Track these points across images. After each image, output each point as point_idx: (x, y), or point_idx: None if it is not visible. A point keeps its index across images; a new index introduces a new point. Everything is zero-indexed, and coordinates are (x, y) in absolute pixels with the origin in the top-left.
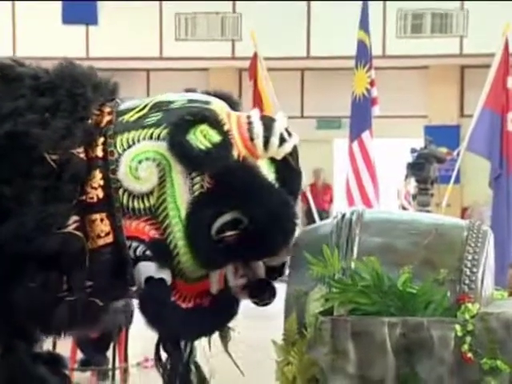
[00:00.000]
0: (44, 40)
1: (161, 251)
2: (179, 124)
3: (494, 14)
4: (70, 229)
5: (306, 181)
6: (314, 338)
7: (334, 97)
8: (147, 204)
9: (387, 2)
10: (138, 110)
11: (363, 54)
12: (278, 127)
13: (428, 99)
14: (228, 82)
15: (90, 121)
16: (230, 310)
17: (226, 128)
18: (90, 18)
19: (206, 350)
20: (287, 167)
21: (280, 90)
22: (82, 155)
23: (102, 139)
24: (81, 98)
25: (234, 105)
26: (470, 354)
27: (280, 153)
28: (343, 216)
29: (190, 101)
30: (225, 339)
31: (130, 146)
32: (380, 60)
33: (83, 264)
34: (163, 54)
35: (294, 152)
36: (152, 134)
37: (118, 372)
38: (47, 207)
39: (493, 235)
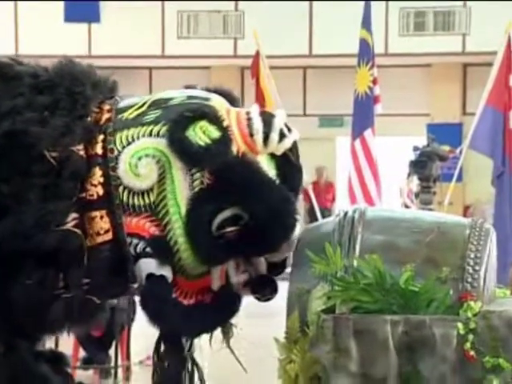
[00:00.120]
0: (46, 38)
1: (161, 248)
2: (178, 120)
3: (497, 12)
4: (69, 226)
5: (308, 179)
6: (316, 336)
7: (337, 95)
8: (147, 201)
9: (389, 1)
10: (137, 107)
11: (365, 52)
12: (278, 123)
13: (430, 97)
14: (230, 80)
15: (89, 118)
16: (232, 307)
17: (225, 124)
18: (93, 16)
19: (207, 347)
20: (287, 163)
21: (282, 88)
22: (82, 153)
23: (101, 137)
24: (80, 96)
25: (233, 101)
26: (472, 352)
27: (280, 148)
28: (345, 214)
29: (190, 97)
30: (227, 335)
31: (129, 143)
32: (382, 58)
33: (81, 261)
34: (165, 52)
35: (294, 148)
36: (151, 130)
37: (120, 370)
38: (46, 205)
39: (495, 233)
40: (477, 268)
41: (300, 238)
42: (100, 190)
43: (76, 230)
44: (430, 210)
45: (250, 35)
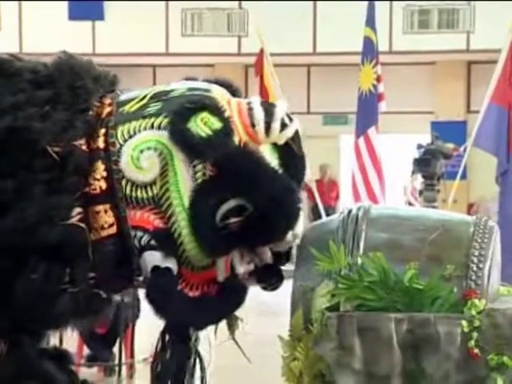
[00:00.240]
0: (50, 36)
1: (166, 240)
2: (180, 112)
3: (501, 9)
4: (74, 220)
5: (312, 177)
6: (320, 334)
7: (341, 93)
8: (150, 193)
9: None
10: (138, 100)
11: (369, 50)
12: (279, 112)
13: (435, 95)
14: (234, 77)
15: (90, 112)
16: (237, 298)
17: (226, 115)
18: (97, 14)
19: (213, 343)
20: (290, 152)
21: (286, 86)
22: (84, 147)
23: (103, 130)
24: (81, 90)
25: (234, 92)
26: (476, 350)
27: (281, 138)
28: (349, 212)
29: (190, 89)
30: (232, 328)
31: (131, 137)
32: (387, 56)
33: (86, 255)
34: (169, 50)
35: (296, 137)
36: (153, 123)
37: (124, 368)
38: (50, 199)
39: (499, 231)
40: (481, 266)
41: (304, 236)
42: (103, 184)
43: (81, 224)
44: (434, 207)
45: (254, 33)
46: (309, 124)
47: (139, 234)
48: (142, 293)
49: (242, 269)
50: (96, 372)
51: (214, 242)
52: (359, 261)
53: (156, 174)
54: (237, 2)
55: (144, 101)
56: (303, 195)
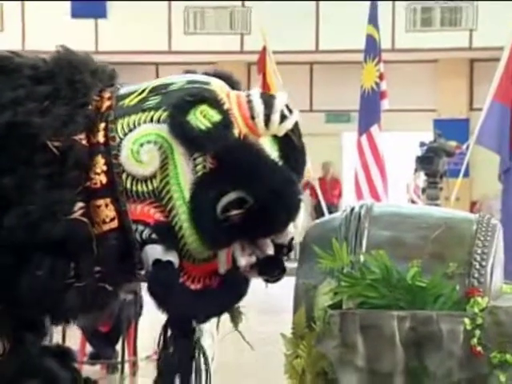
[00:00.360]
0: (53, 34)
1: (166, 234)
2: (179, 105)
3: (504, 7)
4: (76, 215)
5: (314, 175)
6: (322, 332)
7: (343, 90)
8: (151, 187)
9: None
10: (137, 93)
11: (372, 48)
12: (279, 104)
13: (437, 93)
14: (237, 75)
15: (90, 107)
16: (239, 291)
17: (225, 107)
18: (99, 12)
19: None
20: (289, 144)
21: (289, 84)
22: (84, 141)
23: (102, 125)
24: (80, 84)
25: (234, 85)
26: (479, 348)
27: (281, 130)
28: (352, 210)
29: (190, 82)
30: (235, 320)
31: (130, 130)
32: (389, 54)
33: (91, 249)
34: (172, 48)
35: (296, 128)
36: (152, 117)
37: (127, 365)
38: (52, 194)
39: (502, 229)
40: (484, 263)
41: (307, 234)
42: (103, 179)
43: (83, 218)
44: (437, 205)
45: (257, 31)
46: (311, 122)
47: (140, 227)
48: (144, 287)
49: (243, 261)
50: (99, 369)
51: (215, 235)
52: (362, 259)
53: (156, 167)
54: (240, 0)
55: (143, 94)
56: (305, 193)
